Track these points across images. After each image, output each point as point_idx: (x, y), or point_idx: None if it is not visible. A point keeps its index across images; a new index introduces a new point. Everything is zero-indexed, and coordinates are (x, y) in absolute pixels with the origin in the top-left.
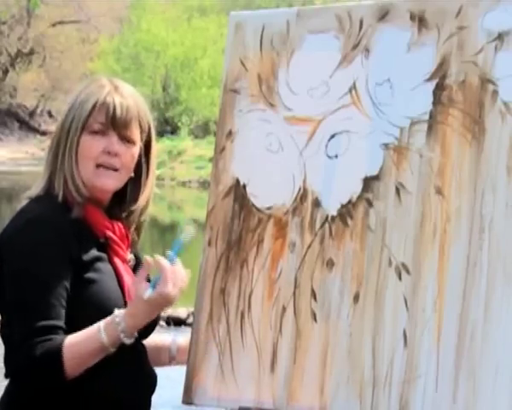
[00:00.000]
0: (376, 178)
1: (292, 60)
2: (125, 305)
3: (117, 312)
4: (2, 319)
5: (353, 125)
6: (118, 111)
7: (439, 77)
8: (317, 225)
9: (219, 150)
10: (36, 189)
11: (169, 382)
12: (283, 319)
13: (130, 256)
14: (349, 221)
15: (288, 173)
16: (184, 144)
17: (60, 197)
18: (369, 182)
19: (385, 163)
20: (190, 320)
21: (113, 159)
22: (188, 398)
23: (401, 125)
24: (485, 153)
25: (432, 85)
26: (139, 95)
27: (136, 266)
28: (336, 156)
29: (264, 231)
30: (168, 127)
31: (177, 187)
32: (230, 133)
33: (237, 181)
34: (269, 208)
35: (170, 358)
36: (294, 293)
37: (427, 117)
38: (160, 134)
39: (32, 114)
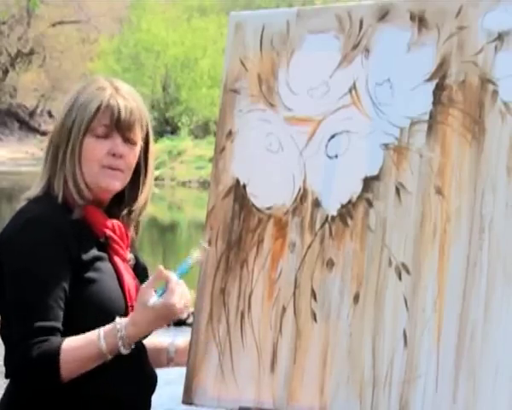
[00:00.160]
0: (376, 178)
1: (292, 60)
2: (125, 304)
3: (118, 320)
4: (2, 320)
5: (353, 126)
6: (122, 114)
7: (439, 77)
8: (317, 225)
9: (219, 150)
10: (34, 190)
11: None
12: (283, 319)
13: (129, 256)
14: (349, 221)
15: (288, 173)
16: (184, 144)
17: (59, 198)
18: (369, 182)
19: (385, 163)
20: (190, 320)
21: (118, 160)
22: (188, 398)
23: (401, 126)
24: (485, 153)
25: (432, 85)
26: (138, 94)
27: (136, 266)
28: (336, 156)
29: (264, 231)
30: (168, 127)
31: (177, 187)
32: (230, 133)
33: (237, 181)
34: (269, 208)
35: (168, 359)
36: (294, 293)
37: (427, 117)
38: (160, 134)
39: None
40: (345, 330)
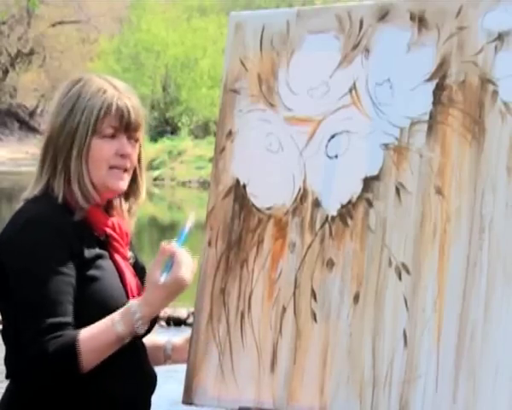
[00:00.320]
0: (376, 178)
1: (292, 60)
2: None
3: (131, 302)
4: (3, 321)
5: (353, 126)
6: (132, 116)
7: (439, 77)
8: (317, 225)
9: (219, 150)
10: (32, 190)
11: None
12: (283, 319)
13: (129, 254)
14: (349, 221)
15: (288, 173)
16: (184, 144)
17: (60, 199)
18: (369, 182)
19: (385, 163)
20: (190, 320)
21: (125, 160)
22: (188, 398)
23: (401, 126)
24: (485, 153)
25: (432, 85)
26: (131, 88)
27: (135, 265)
28: (336, 156)
29: (264, 231)
30: (168, 127)
31: (177, 187)
32: (230, 133)
33: (237, 181)
34: (269, 209)
35: (165, 357)
36: (294, 293)
37: (427, 117)
38: (160, 134)
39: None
40: (345, 330)
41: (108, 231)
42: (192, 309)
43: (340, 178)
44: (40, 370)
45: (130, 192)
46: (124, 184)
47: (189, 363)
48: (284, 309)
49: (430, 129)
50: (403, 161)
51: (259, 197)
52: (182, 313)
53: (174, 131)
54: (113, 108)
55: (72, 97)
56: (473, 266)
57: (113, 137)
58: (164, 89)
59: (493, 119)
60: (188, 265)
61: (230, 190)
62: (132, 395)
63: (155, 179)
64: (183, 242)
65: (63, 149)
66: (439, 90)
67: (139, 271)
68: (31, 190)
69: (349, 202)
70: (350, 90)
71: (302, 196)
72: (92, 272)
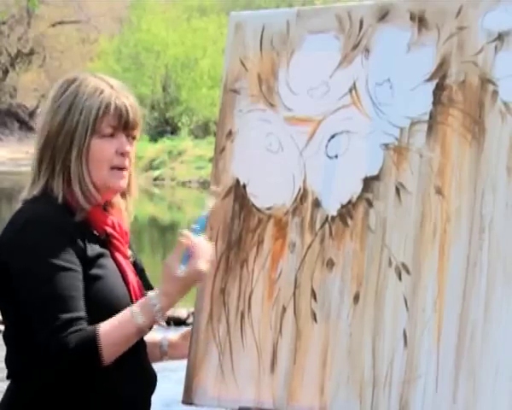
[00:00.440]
0: (376, 178)
1: (292, 60)
2: (130, 300)
3: (150, 293)
4: (4, 322)
5: (353, 126)
6: (130, 115)
7: (439, 77)
8: (317, 225)
9: (219, 150)
10: (32, 191)
11: None
12: (283, 319)
13: (129, 252)
14: (349, 221)
15: (288, 173)
16: (184, 144)
17: (60, 199)
18: (369, 182)
19: (385, 163)
20: (190, 320)
21: (125, 159)
22: (188, 398)
23: (401, 126)
24: (485, 153)
25: (432, 85)
26: (128, 87)
27: (135, 263)
28: (336, 156)
29: (264, 231)
30: (168, 127)
31: (177, 187)
32: (230, 133)
33: (237, 181)
34: (269, 209)
35: (161, 353)
36: (294, 293)
37: (427, 117)
38: (160, 134)
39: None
40: (345, 330)
41: (109, 230)
42: (192, 309)
43: (340, 178)
44: (62, 366)
45: (125, 190)
46: (124, 182)
47: (189, 363)
48: (284, 309)
49: (430, 129)
50: (403, 161)
51: (259, 197)
52: (182, 313)
53: (174, 131)
54: (112, 107)
55: (68, 97)
56: (473, 266)
57: (112, 136)
58: (164, 89)
59: (493, 119)
60: (205, 255)
61: (230, 190)
62: (134, 394)
63: (155, 179)
64: (199, 230)
65: (62, 150)
66: (439, 90)
67: (139, 272)
68: (29, 190)
69: (349, 202)
70: (350, 90)
71: (302, 196)
72: (95, 271)
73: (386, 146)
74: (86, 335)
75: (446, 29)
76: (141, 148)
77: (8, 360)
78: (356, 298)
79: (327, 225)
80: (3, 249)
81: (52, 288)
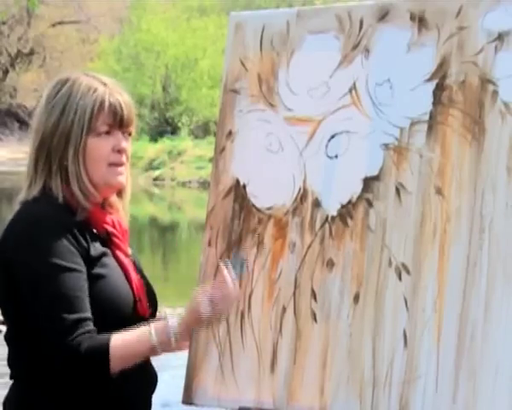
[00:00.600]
0: (376, 178)
1: (292, 60)
2: (133, 299)
3: (170, 318)
4: (6, 322)
5: (353, 126)
6: (125, 112)
7: (439, 77)
8: (317, 225)
9: (219, 150)
10: (31, 191)
11: None
12: (283, 319)
13: (130, 251)
14: (349, 221)
15: (288, 174)
16: (184, 144)
17: (60, 199)
18: (369, 182)
19: (385, 163)
20: None
21: (122, 155)
22: (188, 398)
23: (401, 126)
24: (485, 153)
25: (432, 86)
26: (121, 84)
27: (135, 262)
28: (336, 156)
29: (264, 231)
30: (168, 127)
31: (177, 187)
32: (230, 133)
33: (237, 181)
34: (269, 209)
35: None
36: (294, 293)
37: (427, 117)
38: (160, 134)
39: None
40: (345, 330)
41: (109, 228)
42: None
43: (340, 178)
44: (71, 369)
45: (121, 188)
46: (123, 178)
47: (189, 363)
48: (284, 309)
49: (430, 129)
50: (403, 161)
51: (259, 197)
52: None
53: (174, 131)
54: (106, 104)
55: (62, 97)
56: (473, 266)
57: (107, 133)
58: (164, 89)
59: (493, 119)
60: (231, 300)
61: (230, 190)
62: (134, 393)
63: (155, 179)
64: (238, 270)
65: (57, 150)
66: (439, 90)
67: (138, 270)
68: (27, 191)
69: (349, 202)
70: (350, 91)
71: (302, 196)
72: (98, 270)
73: (386, 146)
74: (99, 344)
75: (446, 29)
76: (141, 148)
77: (11, 361)
78: (356, 298)
79: (327, 225)
80: (6, 249)
81: (58, 288)
